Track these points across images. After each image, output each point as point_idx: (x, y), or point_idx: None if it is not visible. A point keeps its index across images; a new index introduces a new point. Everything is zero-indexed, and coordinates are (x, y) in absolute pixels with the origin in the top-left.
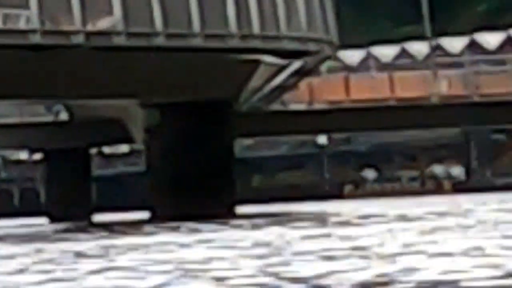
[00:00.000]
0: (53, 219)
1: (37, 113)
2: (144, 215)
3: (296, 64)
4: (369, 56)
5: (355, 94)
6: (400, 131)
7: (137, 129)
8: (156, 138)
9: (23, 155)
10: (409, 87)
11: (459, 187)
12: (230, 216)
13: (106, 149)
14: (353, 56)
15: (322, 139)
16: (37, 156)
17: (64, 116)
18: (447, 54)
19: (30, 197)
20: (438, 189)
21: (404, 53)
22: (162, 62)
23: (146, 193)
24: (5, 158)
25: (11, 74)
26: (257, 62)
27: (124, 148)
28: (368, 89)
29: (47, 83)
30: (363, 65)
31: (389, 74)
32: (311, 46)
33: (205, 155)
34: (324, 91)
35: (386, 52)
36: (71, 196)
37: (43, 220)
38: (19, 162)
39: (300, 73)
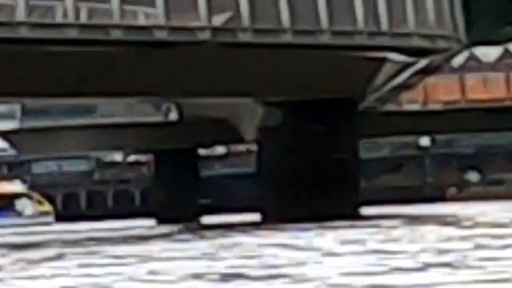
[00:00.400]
0: (161, 221)
1: (146, 113)
2: (253, 217)
3: (422, 62)
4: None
5: (471, 94)
6: (505, 133)
7: (249, 129)
8: (274, 137)
9: (118, 157)
10: None
11: None
12: (356, 217)
13: (214, 150)
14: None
15: (424, 141)
16: (132, 158)
17: (173, 116)
18: None
19: (124, 199)
20: None
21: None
22: (288, 60)
23: (257, 194)
24: (100, 159)
25: (130, 71)
26: (383, 60)
27: (228, 149)
28: (483, 89)
29: (165, 80)
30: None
31: (505, 73)
32: (440, 44)
33: (329, 155)
34: (439, 91)
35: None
36: (179, 197)
37: (149, 222)
38: (113, 164)
39: (424, 72)
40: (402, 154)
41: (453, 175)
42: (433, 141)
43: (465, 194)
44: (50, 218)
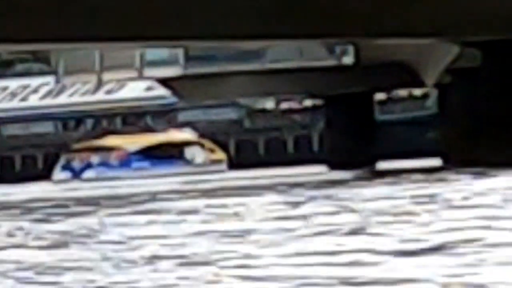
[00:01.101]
0: (334, 167)
1: (318, 57)
2: (433, 162)
3: None
4: None
5: None
6: None
7: (433, 72)
8: (469, 79)
9: (270, 104)
10: None
11: None
12: None
13: (390, 94)
14: None
15: None
16: (285, 105)
17: (347, 59)
18: None
19: (277, 146)
20: None
21: None
22: None
23: (439, 138)
24: (250, 107)
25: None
26: None
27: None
28: None
29: (345, 21)
30: None
31: None
32: None
33: None
34: None
35: None
36: (353, 143)
37: (319, 168)
38: (264, 111)
39: None
40: None
41: None
42: None
43: None
44: (223, 166)
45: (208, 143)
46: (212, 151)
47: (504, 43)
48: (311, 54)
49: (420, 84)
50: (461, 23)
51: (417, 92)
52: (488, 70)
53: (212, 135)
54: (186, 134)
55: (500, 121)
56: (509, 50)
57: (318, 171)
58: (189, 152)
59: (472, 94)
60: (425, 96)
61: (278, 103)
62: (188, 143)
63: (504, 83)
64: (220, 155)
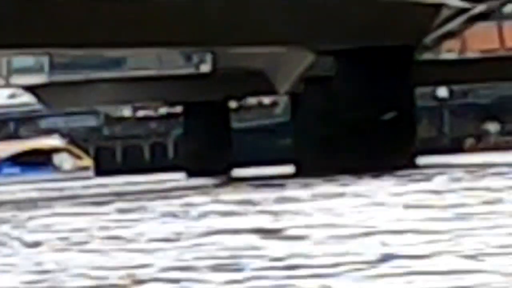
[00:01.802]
0: (191, 174)
1: (176, 65)
2: (287, 169)
3: (480, 8)
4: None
5: (510, 42)
6: None
7: (286, 80)
8: (322, 87)
9: (127, 112)
10: None
11: None
12: (411, 167)
13: (246, 101)
14: None
15: (442, 92)
16: (141, 113)
17: (204, 68)
18: None
19: (134, 154)
20: None
21: None
22: (340, 5)
23: (291, 146)
24: (108, 115)
25: (163, 19)
26: (441, 6)
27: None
28: None
29: (200, 29)
30: None
31: None
32: None
33: (383, 104)
34: (477, 39)
35: None
36: (210, 150)
37: (178, 176)
38: (121, 119)
39: (477, 18)
40: (419, 105)
41: (472, 126)
42: (450, 91)
43: (483, 145)
44: (90, 173)
45: (75, 150)
46: (79, 157)
47: (358, 52)
48: (170, 62)
49: (274, 92)
50: (315, 32)
51: (266, 100)
52: (342, 78)
53: (72, 142)
54: (54, 141)
55: (354, 129)
56: (363, 58)
57: (176, 178)
58: (57, 158)
59: (325, 102)
60: (274, 104)
61: (135, 110)
62: (56, 150)
63: (358, 92)
64: (87, 161)
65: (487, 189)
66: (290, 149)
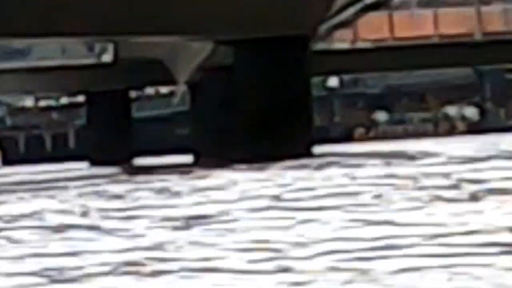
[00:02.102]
0: (94, 163)
1: (79, 55)
2: (186, 158)
3: None
4: None
5: (399, 32)
6: (430, 70)
7: (185, 70)
8: (220, 76)
9: (29, 102)
10: (453, 24)
11: (473, 128)
12: (308, 155)
13: (148, 91)
14: None
15: (333, 81)
16: (43, 103)
17: (106, 58)
18: None
19: (36, 144)
20: (451, 130)
21: None
22: None
23: (191, 135)
24: (11, 105)
25: (63, 9)
26: None
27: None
28: (412, 26)
29: (103, 19)
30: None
31: (433, 10)
32: None
33: (280, 93)
34: (368, 29)
35: None
36: (112, 140)
37: (81, 165)
38: (24, 109)
39: (371, 8)
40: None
41: (361, 115)
42: (341, 81)
43: (373, 134)
44: None
45: None
46: None
47: (257, 42)
48: (73, 52)
49: (174, 82)
50: (214, 21)
51: (164, 90)
52: (241, 68)
53: None
54: None
55: (251, 118)
56: (261, 48)
57: (79, 167)
58: None
59: (224, 92)
60: (171, 94)
61: (37, 100)
62: None
63: (255, 81)
64: None
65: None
66: (189, 138)
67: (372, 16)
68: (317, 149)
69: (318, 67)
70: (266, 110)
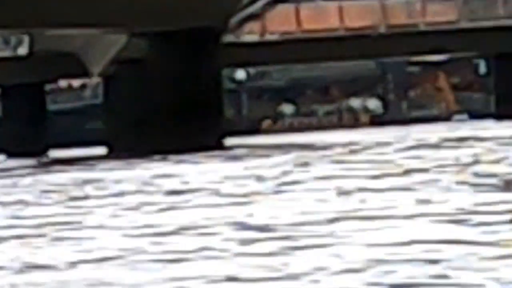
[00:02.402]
0: (10, 155)
1: None
2: (99, 150)
3: None
4: None
5: (306, 24)
6: (336, 63)
7: (98, 62)
8: (133, 69)
9: None
10: (358, 16)
11: (376, 120)
12: (220, 148)
13: (61, 84)
14: None
15: (240, 74)
16: None
17: (21, 50)
18: None
19: None
20: (355, 123)
21: None
22: None
23: (104, 127)
24: None
25: None
26: None
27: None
28: (318, 19)
29: (17, 12)
30: None
31: (339, 3)
32: None
33: (192, 86)
34: (275, 22)
35: None
36: (28, 132)
37: None
38: None
39: (280, 0)
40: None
41: (268, 107)
42: (248, 74)
43: (280, 127)
44: None
45: None
46: None
47: (169, 34)
48: None
49: (87, 74)
50: (127, 14)
51: (76, 83)
52: (154, 61)
53: None
54: None
55: (164, 111)
56: (174, 40)
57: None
58: None
59: (137, 84)
60: (83, 87)
61: None
62: None
63: (168, 74)
64: None
65: None
66: (103, 131)
67: (280, 9)
68: (227, 141)
69: (228, 60)
70: (177, 103)
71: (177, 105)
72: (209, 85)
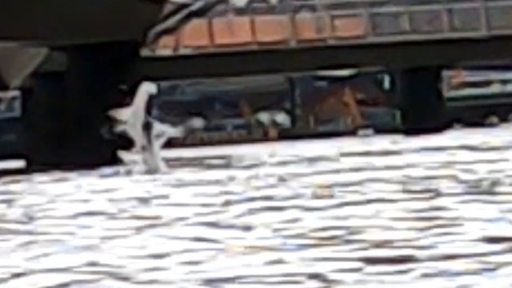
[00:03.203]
0: None
1: None
2: (17, 164)
3: (198, 4)
4: None
5: (219, 39)
6: (245, 77)
7: (16, 75)
8: (51, 82)
9: None
10: (269, 31)
11: (284, 134)
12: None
13: None
14: None
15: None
16: None
17: None
18: None
19: None
20: (264, 137)
21: None
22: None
23: (22, 141)
24: None
25: None
26: (164, 2)
27: None
28: (230, 33)
29: None
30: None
31: (250, 18)
32: None
33: (111, 98)
34: (189, 36)
35: None
36: None
37: None
38: None
39: (195, 14)
40: None
41: (178, 121)
42: (158, 88)
43: (190, 140)
44: None
45: None
46: None
47: (88, 47)
48: None
49: (5, 87)
50: (49, 27)
51: None
52: (73, 74)
53: None
54: None
55: (81, 124)
56: (93, 54)
57: None
58: None
59: (55, 97)
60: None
61: None
62: None
63: (86, 87)
64: None
65: None
66: (19, 143)
67: (194, 23)
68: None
69: (143, 73)
70: (94, 116)
71: (94, 118)
72: (116, 99)
